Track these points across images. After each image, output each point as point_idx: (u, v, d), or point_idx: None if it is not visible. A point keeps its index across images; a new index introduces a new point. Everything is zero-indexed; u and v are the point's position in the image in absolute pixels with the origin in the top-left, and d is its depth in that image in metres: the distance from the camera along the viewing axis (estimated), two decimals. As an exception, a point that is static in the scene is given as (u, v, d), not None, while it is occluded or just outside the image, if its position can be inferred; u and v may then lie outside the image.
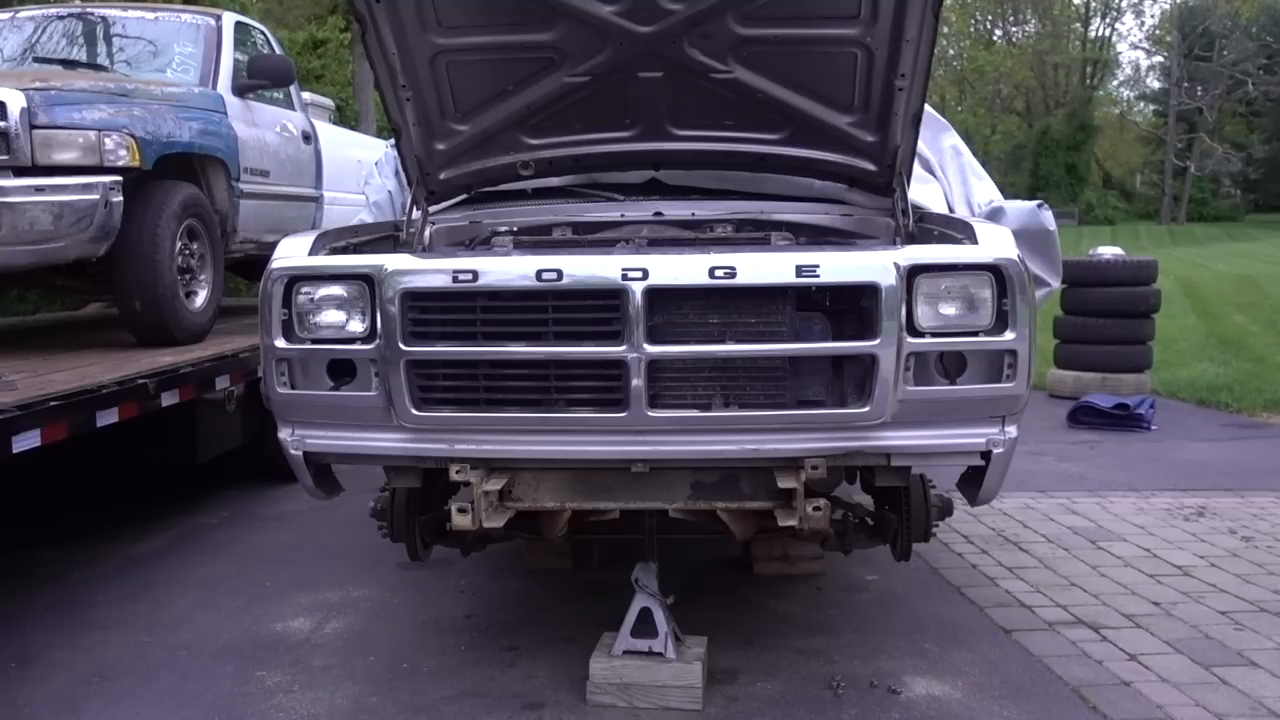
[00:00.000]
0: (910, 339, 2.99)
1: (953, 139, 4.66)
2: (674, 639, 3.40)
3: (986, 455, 3.12)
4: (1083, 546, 4.99)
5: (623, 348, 2.98)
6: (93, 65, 6.23)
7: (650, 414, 3.02)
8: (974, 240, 3.11)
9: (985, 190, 4.53)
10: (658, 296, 3.00)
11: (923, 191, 4.27)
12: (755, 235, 3.67)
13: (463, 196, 4.13)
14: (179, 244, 5.38)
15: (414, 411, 3.08)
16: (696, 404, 3.09)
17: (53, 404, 3.87)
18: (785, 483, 3.08)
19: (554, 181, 4.19)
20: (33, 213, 4.70)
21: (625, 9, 3.41)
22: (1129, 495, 5.96)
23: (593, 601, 4.14)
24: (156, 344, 5.27)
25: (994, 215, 4.33)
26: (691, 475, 3.23)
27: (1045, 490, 6.06)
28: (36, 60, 6.17)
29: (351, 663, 3.75)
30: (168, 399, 4.67)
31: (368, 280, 3.07)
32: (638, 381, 2.99)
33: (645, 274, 2.97)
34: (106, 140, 4.92)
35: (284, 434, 3.26)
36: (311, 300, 3.13)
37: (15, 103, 4.68)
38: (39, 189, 4.72)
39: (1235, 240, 36.44)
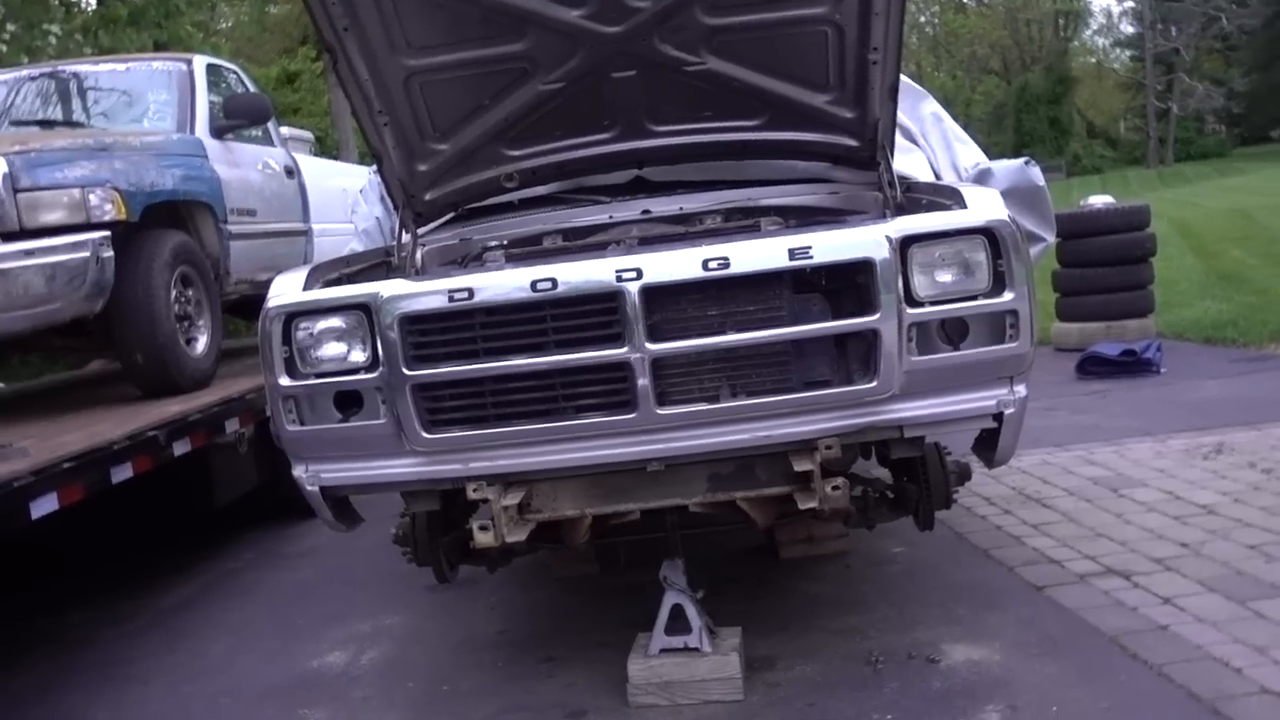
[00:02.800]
0: (910, 310, 2.98)
1: (932, 106, 4.65)
2: (708, 632, 3.40)
3: (999, 417, 3.11)
4: (1104, 496, 4.98)
5: (625, 349, 2.98)
6: (70, 123, 6.25)
7: (659, 412, 3.02)
8: (963, 205, 3.11)
9: (970, 153, 4.53)
10: (654, 294, 3.00)
11: (907, 162, 4.27)
12: (745, 223, 3.67)
13: (450, 215, 4.13)
14: (174, 292, 5.38)
15: (424, 435, 3.09)
16: (704, 397, 3.09)
17: (66, 466, 3.88)
18: (801, 465, 3.08)
19: (540, 190, 4.19)
20: (25, 277, 4.70)
21: (592, 11, 3.41)
22: (1145, 440, 5.94)
23: (623, 604, 4.14)
24: (162, 394, 5.27)
25: (981, 177, 4.34)
26: (708, 468, 3.23)
27: (1061, 444, 6.05)
28: (13, 124, 6.18)
29: (391, 691, 3.76)
30: (179, 448, 4.68)
31: (364, 309, 3.08)
32: (643, 381, 2.99)
33: (639, 273, 2.97)
34: (91, 196, 4.92)
35: (298, 471, 3.26)
36: (311, 335, 3.13)
37: (-3, 169, 4.69)
38: (29, 252, 4.71)
39: (1225, 176, 36.40)
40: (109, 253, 4.93)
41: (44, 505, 3.73)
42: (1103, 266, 9.05)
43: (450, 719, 3.48)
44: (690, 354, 3.06)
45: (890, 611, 3.90)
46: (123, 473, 4.26)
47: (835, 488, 3.05)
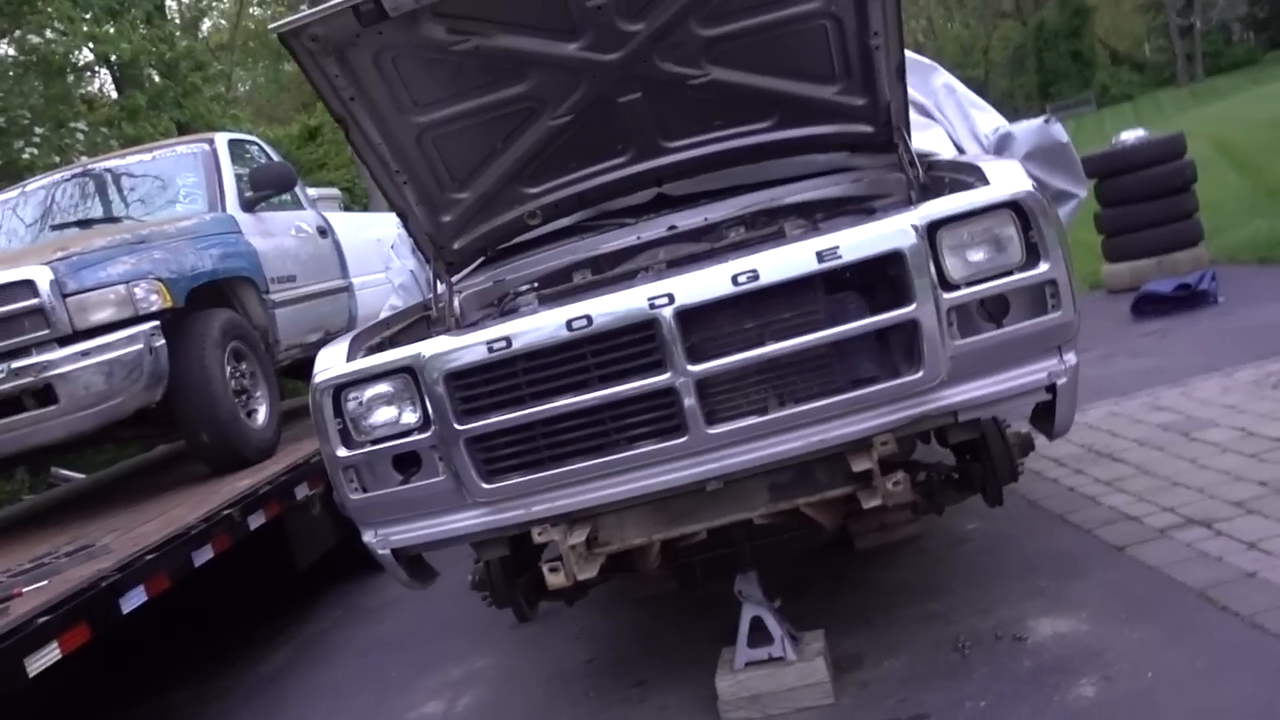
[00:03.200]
0: (946, 294, 2.97)
1: (943, 77, 4.61)
2: (790, 640, 3.41)
3: (1052, 388, 3.08)
4: (1176, 442, 4.89)
5: (667, 374, 3.00)
6: (108, 218, 6.42)
7: (710, 431, 3.03)
8: (985, 180, 3.08)
9: (988, 119, 4.48)
10: (689, 316, 3.02)
11: (926, 138, 4.24)
12: (769, 230, 3.66)
13: (481, 259, 4.18)
14: (229, 369, 5.51)
15: (484, 485, 3.13)
16: (753, 410, 3.10)
17: (149, 558, 3.99)
18: (859, 465, 3.07)
19: (566, 221, 4.22)
20: (85, 378, 4.87)
21: (589, 43, 3.44)
22: (1211, 376, 5.81)
23: (705, 618, 4.15)
24: (231, 469, 5.40)
25: (1003, 141, 4.29)
26: (767, 479, 3.24)
27: (1126, 392, 5.95)
28: (54, 227, 6.37)
29: (489, 734, 3.82)
30: (255, 521, 4.80)
31: (409, 371, 3.13)
32: (690, 402, 3.01)
33: (671, 298, 2.98)
34: (136, 290, 5.07)
35: (368, 537, 3.33)
36: (360, 404, 3.19)
37: (44, 278, 4.85)
38: (85, 353, 4.88)
39: (1259, 84, 35.40)
40: (160, 341, 5.08)
41: (133, 599, 3.84)
42: (1144, 202, 8.87)
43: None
44: (733, 370, 3.07)
45: (971, 593, 3.87)
46: (204, 555, 4.37)
47: (896, 483, 3.05)
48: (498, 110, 3.65)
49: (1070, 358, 3.07)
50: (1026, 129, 4.27)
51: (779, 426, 3.07)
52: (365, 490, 3.24)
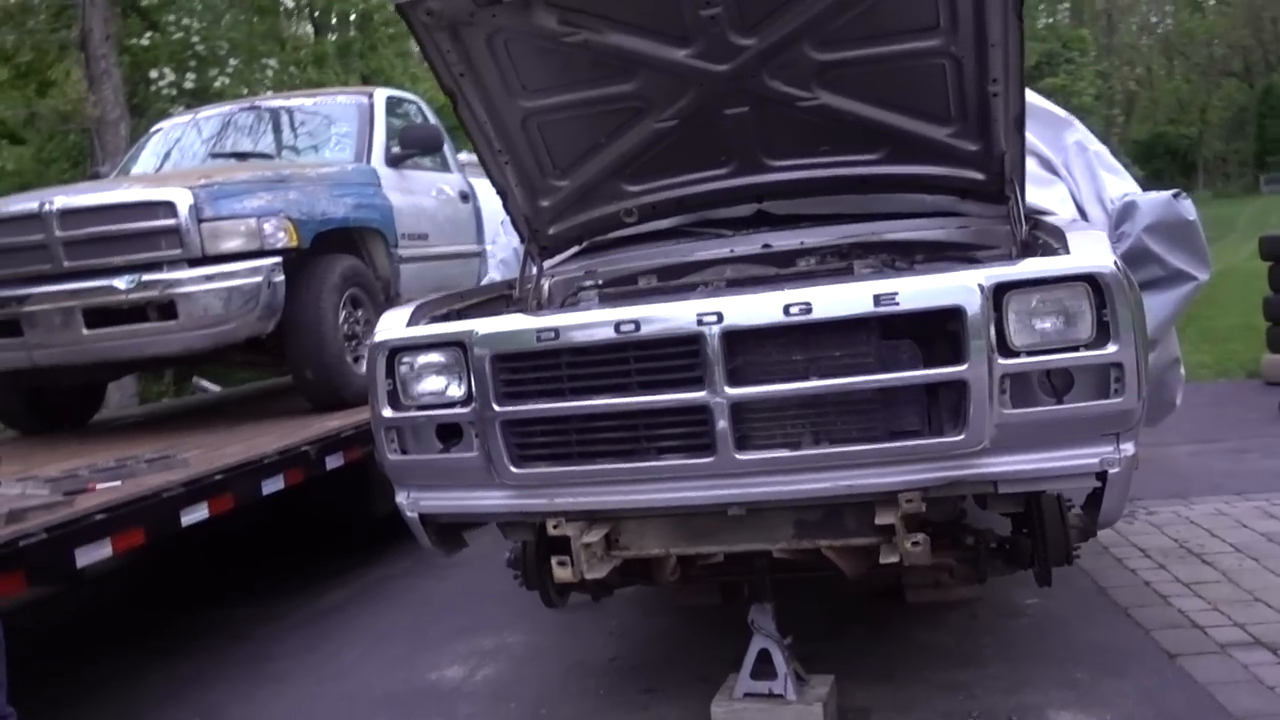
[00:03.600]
0: (1002, 360, 2.85)
1: (1078, 134, 4.40)
2: (795, 679, 3.35)
3: (1102, 476, 2.93)
4: (1275, 554, 4.57)
5: (704, 393, 2.98)
6: (261, 155, 6.78)
7: (739, 457, 3.00)
8: (1066, 248, 2.94)
9: (1118, 184, 4.25)
10: (735, 338, 2.99)
11: (1046, 195, 4.07)
12: (838, 265, 3.59)
13: (576, 249, 4.23)
14: (343, 313, 5.76)
15: (512, 469, 3.18)
16: (786, 443, 3.05)
17: (218, 478, 4.22)
18: (883, 518, 2.99)
19: (664, 224, 4.23)
20: (205, 300, 5.18)
21: (699, 51, 3.43)
22: (1344, 494, 5.40)
23: (737, 638, 4.08)
24: (330, 408, 5.64)
25: (1127, 210, 4.07)
26: (794, 514, 3.19)
27: (1243, 493, 5.58)
28: (212, 156, 6.77)
29: (493, 711, 3.89)
30: (332, 462, 5.00)
31: (460, 345, 3.21)
32: (723, 424, 2.98)
33: (720, 317, 2.96)
34: (266, 225, 5.35)
35: (400, 497, 3.43)
36: (412, 369, 3.29)
37: (184, 201, 5.16)
38: (209, 277, 5.18)
39: None
40: (280, 277, 5.35)
41: (194, 513, 4.06)
42: (1319, 294, 8.29)
43: None
44: (771, 399, 3.03)
45: (1004, 669, 3.72)
46: (274, 484, 4.58)
47: (915, 543, 2.95)
48: (604, 105, 3.68)
49: (1127, 447, 2.90)
50: (1152, 200, 4.04)
51: (809, 464, 3.01)
52: (404, 452, 3.35)
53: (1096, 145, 4.40)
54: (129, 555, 3.88)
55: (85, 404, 6.68)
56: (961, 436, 2.90)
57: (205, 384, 10.76)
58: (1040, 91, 5.09)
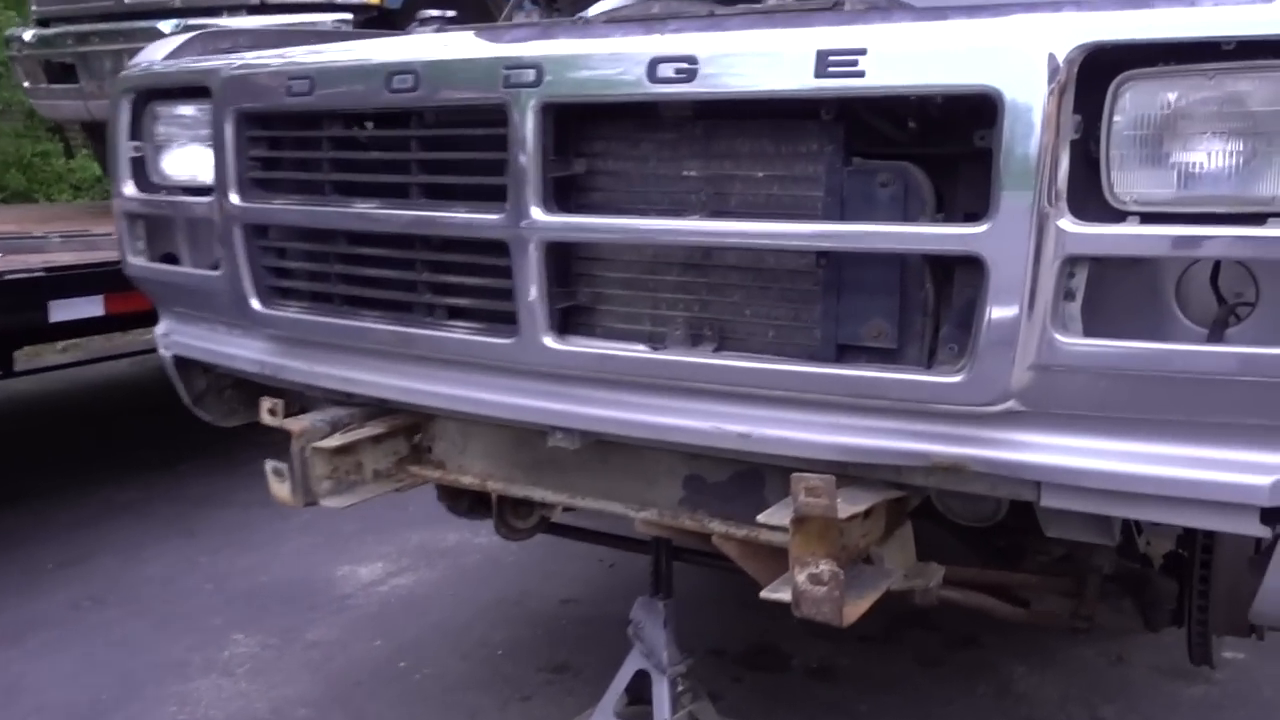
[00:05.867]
0: (1071, 225, 1.25)
1: None
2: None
3: (1273, 518, 1.29)
4: None
5: (502, 215, 1.59)
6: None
7: (550, 344, 1.61)
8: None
9: None
10: (567, 119, 1.56)
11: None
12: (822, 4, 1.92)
13: None
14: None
15: (255, 305, 1.96)
16: (644, 335, 1.62)
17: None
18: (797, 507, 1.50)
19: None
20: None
21: None
22: None
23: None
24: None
25: None
26: (688, 466, 1.76)
27: None
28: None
29: (383, 629, 2.86)
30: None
31: (207, 93, 1.96)
32: (532, 283, 1.59)
33: (538, 75, 1.53)
34: None
35: (159, 327, 2.30)
36: (167, 129, 2.11)
37: None
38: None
39: None
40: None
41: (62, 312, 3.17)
42: None
43: (399, 700, 2.54)
44: (620, 244, 1.60)
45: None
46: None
47: (815, 574, 1.44)
48: None
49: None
50: None
51: (682, 377, 1.57)
52: (148, 259, 2.20)
53: None
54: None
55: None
56: (959, 378, 1.35)
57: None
58: None
